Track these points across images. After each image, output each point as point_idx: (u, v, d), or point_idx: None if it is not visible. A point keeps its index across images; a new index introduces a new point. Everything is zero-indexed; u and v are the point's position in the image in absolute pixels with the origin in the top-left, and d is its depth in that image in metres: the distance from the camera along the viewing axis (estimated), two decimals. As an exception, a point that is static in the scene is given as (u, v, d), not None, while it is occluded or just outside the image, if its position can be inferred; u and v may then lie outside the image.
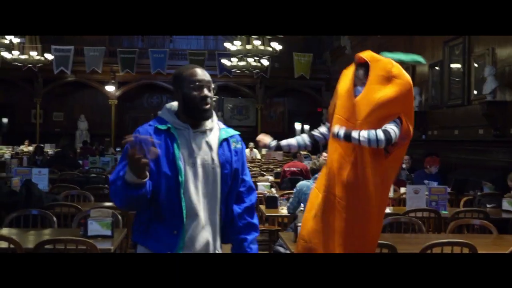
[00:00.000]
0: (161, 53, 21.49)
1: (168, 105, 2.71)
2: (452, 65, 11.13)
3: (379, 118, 3.48)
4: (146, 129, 2.60)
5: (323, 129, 3.96)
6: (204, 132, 2.65)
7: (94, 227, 4.39)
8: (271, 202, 6.34)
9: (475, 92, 10.16)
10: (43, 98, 22.70)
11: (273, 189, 7.04)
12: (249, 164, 13.47)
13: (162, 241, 2.55)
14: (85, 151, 15.49)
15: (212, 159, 2.63)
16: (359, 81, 3.59)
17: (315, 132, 4.00)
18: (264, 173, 10.93)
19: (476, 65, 10.17)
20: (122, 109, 24.10)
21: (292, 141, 4.00)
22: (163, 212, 2.56)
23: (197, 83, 2.60)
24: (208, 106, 2.60)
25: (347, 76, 3.68)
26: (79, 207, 5.70)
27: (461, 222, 5.33)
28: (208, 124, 2.67)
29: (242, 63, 18.21)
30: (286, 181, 8.88)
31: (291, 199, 5.81)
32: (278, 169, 10.74)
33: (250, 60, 17.76)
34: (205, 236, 2.62)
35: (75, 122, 23.91)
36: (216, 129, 2.70)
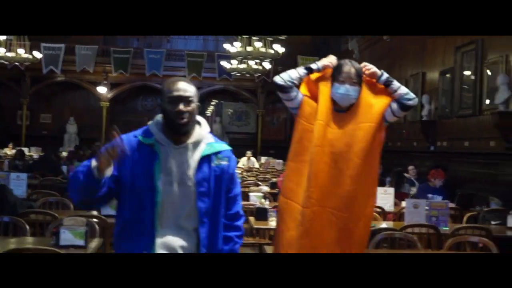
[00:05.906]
0: (157, 54, 21.57)
1: (158, 117, 2.76)
2: (464, 72, 11.12)
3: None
4: (130, 140, 2.67)
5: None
6: (186, 148, 2.70)
7: (66, 236, 4.41)
8: (261, 214, 6.36)
9: (487, 101, 10.11)
10: (30, 98, 22.79)
11: (264, 200, 7.05)
12: (245, 173, 13.51)
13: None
14: (72, 155, 15.51)
15: (189, 177, 2.67)
16: (349, 79, 3.53)
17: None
18: (260, 183, 10.95)
19: (489, 72, 10.13)
20: (114, 112, 24.16)
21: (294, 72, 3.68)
22: (132, 228, 2.65)
23: (173, 97, 2.65)
24: (183, 121, 2.63)
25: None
26: (56, 215, 5.67)
27: (459, 239, 5.34)
28: (193, 137, 2.72)
29: (242, 66, 18.25)
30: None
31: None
32: (275, 179, 10.74)
33: (251, 62, 17.80)
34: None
35: (64, 125, 23.99)
36: (203, 144, 2.74)
